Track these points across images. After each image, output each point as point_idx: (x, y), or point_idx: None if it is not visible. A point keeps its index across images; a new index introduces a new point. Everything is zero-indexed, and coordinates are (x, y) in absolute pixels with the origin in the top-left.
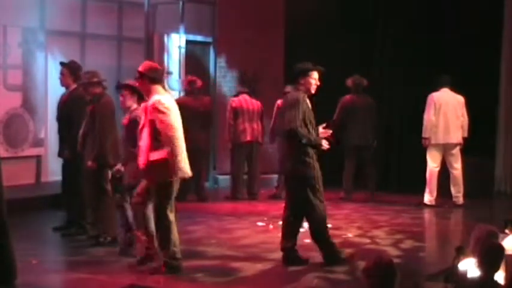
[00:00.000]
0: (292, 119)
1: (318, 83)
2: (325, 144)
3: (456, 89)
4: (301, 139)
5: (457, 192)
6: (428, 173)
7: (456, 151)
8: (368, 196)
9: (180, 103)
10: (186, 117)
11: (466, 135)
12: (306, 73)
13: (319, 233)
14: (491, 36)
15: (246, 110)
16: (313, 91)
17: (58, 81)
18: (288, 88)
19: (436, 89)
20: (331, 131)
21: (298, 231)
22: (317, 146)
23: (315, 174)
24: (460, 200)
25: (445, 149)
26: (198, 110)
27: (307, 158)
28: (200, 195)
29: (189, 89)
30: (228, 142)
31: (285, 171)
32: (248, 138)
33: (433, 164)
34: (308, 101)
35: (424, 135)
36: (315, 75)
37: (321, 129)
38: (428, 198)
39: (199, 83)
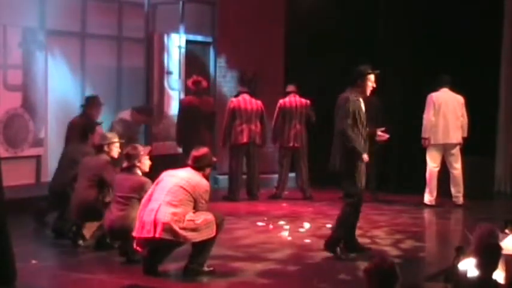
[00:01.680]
0: (341, 119)
1: (374, 85)
2: (365, 158)
3: (456, 89)
4: (347, 141)
5: (457, 192)
6: (428, 173)
7: (456, 151)
8: (369, 196)
9: (184, 103)
10: (192, 117)
11: (465, 135)
12: (364, 75)
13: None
14: (491, 36)
15: (244, 110)
16: (368, 93)
17: (58, 82)
18: (291, 87)
19: (435, 89)
20: (388, 136)
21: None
22: (358, 156)
23: (358, 170)
24: (460, 200)
25: (445, 149)
26: (203, 110)
27: (355, 155)
28: None
29: (194, 89)
30: (221, 143)
31: (334, 168)
32: (245, 139)
33: (432, 164)
34: (362, 101)
35: (423, 135)
36: (372, 77)
37: (379, 132)
38: (428, 198)
39: (204, 83)
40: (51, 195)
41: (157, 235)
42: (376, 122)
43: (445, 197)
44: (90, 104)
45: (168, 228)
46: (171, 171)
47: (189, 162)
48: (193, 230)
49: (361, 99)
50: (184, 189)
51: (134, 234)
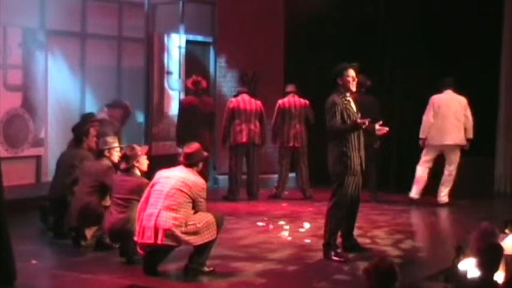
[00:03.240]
0: (327, 122)
1: (356, 79)
2: (362, 122)
3: (456, 89)
4: (340, 132)
5: (443, 191)
6: (418, 170)
7: (452, 153)
8: (369, 196)
9: (184, 103)
10: (192, 117)
11: (470, 136)
12: (340, 73)
13: (330, 232)
14: (491, 36)
15: (243, 110)
16: (353, 88)
17: (58, 82)
18: (290, 87)
19: (440, 91)
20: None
21: (343, 223)
22: (356, 128)
23: (349, 172)
24: (445, 199)
25: (441, 151)
26: (203, 110)
27: (344, 157)
28: None
29: (194, 89)
30: (221, 143)
31: (329, 168)
32: (244, 139)
33: (425, 163)
34: (350, 99)
35: (421, 135)
36: (350, 73)
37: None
38: (414, 192)
39: (204, 83)
40: (51, 201)
41: (159, 241)
42: (375, 122)
43: (431, 196)
44: None
45: (169, 234)
46: (165, 171)
47: (181, 159)
48: (195, 233)
49: (349, 98)
50: (182, 191)
51: (135, 238)
